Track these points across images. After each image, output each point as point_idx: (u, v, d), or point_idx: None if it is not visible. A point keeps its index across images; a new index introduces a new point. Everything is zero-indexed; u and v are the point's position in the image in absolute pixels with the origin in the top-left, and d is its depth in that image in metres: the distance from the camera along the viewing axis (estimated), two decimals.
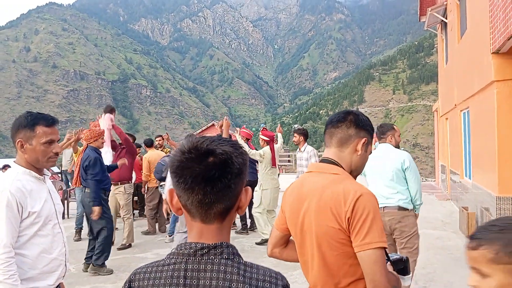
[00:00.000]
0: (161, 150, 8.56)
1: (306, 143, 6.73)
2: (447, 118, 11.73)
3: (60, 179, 12.97)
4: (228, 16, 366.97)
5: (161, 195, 7.64)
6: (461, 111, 9.08)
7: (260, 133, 7.23)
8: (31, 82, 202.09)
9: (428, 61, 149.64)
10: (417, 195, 3.65)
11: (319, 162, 1.61)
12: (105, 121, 6.28)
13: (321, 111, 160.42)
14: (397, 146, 3.98)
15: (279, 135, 7.48)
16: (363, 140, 1.56)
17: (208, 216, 0.92)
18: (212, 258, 0.89)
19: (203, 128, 35.07)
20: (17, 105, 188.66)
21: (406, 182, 3.70)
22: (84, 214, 5.67)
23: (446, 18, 11.17)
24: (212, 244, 0.91)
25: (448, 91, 11.04)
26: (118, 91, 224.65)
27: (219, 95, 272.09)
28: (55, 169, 15.00)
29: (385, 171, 3.71)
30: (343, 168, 1.55)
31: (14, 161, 2.03)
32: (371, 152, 1.52)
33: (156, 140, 8.77)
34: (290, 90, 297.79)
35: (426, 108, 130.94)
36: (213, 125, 34.77)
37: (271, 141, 6.85)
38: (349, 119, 1.58)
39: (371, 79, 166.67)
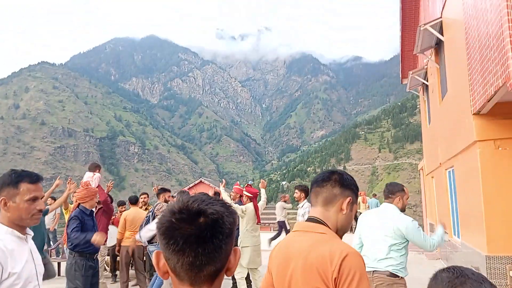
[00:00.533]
0: (145, 208, 8.42)
1: (305, 200, 6.82)
2: (432, 177, 11.88)
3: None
4: (218, 76, 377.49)
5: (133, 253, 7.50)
6: (446, 169, 9.22)
7: (244, 189, 7.28)
8: (18, 139, 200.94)
9: (411, 121, 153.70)
10: (434, 243, 3.55)
11: (306, 221, 1.63)
12: (95, 181, 6.22)
13: (309, 169, 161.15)
14: (403, 210, 3.75)
15: (263, 191, 7.50)
16: (348, 199, 1.59)
17: (198, 279, 0.89)
18: None
19: (191, 185, 34.90)
20: (2, 161, 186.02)
21: (403, 249, 3.51)
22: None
23: (427, 81, 11.66)
24: None
25: (433, 150, 11.27)
26: (106, 148, 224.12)
27: (207, 152, 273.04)
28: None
29: (383, 232, 3.52)
30: (329, 227, 1.57)
31: None
32: (356, 212, 1.49)
33: (141, 197, 8.65)
34: (277, 148, 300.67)
35: (412, 166, 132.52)
36: (201, 182, 34.67)
37: (254, 198, 6.97)
38: (334, 178, 1.61)
39: (357, 138, 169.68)
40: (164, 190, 7.03)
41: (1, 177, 2.00)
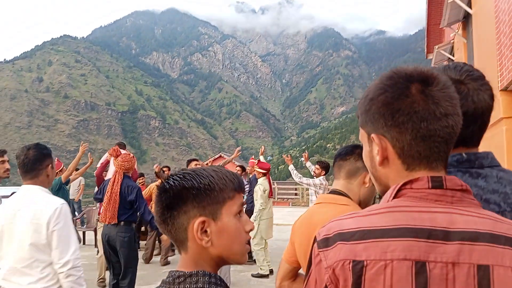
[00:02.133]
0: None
1: (323, 177, 6.88)
2: None
3: None
4: (238, 51, 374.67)
5: None
6: None
7: (256, 165, 7.34)
8: (42, 112, 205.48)
9: None
10: None
11: (328, 193, 1.64)
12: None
13: (328, 145, 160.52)
14: None
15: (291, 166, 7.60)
16: None
17: (178, 246, 0.93)
18: (187, 286, 0.89)
19: (211, 159, 35.20)
20: (27, 134, 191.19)
21: None
22: (109, 254, 4.70)
23: (453, 56, 11.33)
24: (188, 272, 0.90)
25: None
26: (127, 122, 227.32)
27: (226, 127, 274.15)
28: None
29: None
30: (351, 200, 1.58)
31: None
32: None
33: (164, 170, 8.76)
34: (297, 124, 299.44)
35: None
36: (220, 156, 34.91)
37: (267, 173, 7.09)
38: (357, 152, 1.62)
39: None
40: (191, 160, 7.06)
41: None
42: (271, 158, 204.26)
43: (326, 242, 0.77)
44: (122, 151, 6.19)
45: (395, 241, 0.72)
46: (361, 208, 1.55)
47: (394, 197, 0.79)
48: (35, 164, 2.37)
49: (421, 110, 0.76)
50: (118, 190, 4.60)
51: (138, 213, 4.91)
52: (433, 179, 0.78)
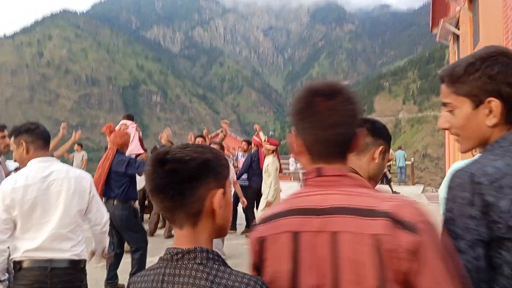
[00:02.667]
0: None
1: None
2: None
3: None
4: (239, 25, 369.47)
5: None
6: None
7: (266, 142, 7.33)
8: (43, 87, 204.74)
9: (439, 72, 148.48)
10: None
11: None
12: (133, 131, 6.17)
13: None
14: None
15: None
16: (380, 148, 1.57)
17: (176, 222, 0.99)
18: (185, 263, 0.92)
19: (212, 134, 35.27)
20: (29, 108, 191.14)
21: None
22: (112, 230, 4.61)
23: (459, 30, 11.19)
24: (186, 249, 0.94)
25: None
26: (129, 97, 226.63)
27: (228, 102, 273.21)
28: None
29: None
30: (360, 176, 1.49)
31: None
32: (389, 161, 1.52)
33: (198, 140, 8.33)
34: None
35: (436, 119, 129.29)
36: (222, 131, 34.98)
37: (276, 150, 7.18)
38: (366, 127, 1.56)
39: (381, 89, 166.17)
40: (198, 136, 7.01)
41: None
42: (272, 133, 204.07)
43: (255, 226, 1.11)
44: (129, 122, 6.16)
45: (284, 219, 1.03)
46: (372, 184, 1.45)
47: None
48: (49, 137, 2.59)
49: (316, 120, 1.03)
50: (108, 166, 4.56)
51: (137, 189, 4.85)
52: (317, 170, 1.05)
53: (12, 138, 2.54)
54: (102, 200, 4.35)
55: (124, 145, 4.78)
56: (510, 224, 0.95)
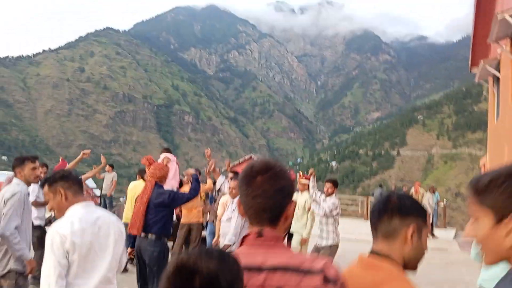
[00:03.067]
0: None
1: (334, 194, 6.44)
2: None
3: (99, 203, 13.29)
4: (274, 50, 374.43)
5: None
6: None
7: (301, 176, 7.13)
8: (82, 101, 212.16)
9: (475, 109, 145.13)
10: None
11: (368, 254, 1.50)
12: (173, 164, 6.01)
13: (361, 151, 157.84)
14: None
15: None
16: (411, 228, 1.43)
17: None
18: None
19: (241, 160, 35.25)
20: (66, 122, 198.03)
21: None
22: (140, 265, 4.56)
23: (499, 72, 10.84)
24: None
25: (498, 148, 10.56)
26: (162, 116, 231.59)
27: (258, 126, 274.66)
28: (96, 191, 15.42)
29: None
30: (395, 261, 1.44)
31: None
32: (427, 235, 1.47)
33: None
34: (330, 127, 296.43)
35: (471, 157, 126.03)
36: (251, 157, 34.93)
37: (336, 188, 6.67)
38: (390, 208, 1.47)
39: (414, 122, 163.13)
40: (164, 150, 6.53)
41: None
42: (301, 160, 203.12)
43: None
44: (171, 156, 6.05)
45: None
46: (409, 269, 1.46)
47: (240, 244, 1.31)
48: (81, 182, 2.69)
49: (249, 192, 1.31)
50: (147, 200, 4.41)
51: (172, 223, 4.71)
52: (258, 231, 1.29)
53: (47, 187, 2.51)
54: (141, 235, 4.40)
55: (163, 177, 4.64)
56: None
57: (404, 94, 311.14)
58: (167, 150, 6.28)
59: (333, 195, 6.44)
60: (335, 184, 6.54)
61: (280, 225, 1.29)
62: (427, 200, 18.00)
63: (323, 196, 6.50)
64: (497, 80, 11.40)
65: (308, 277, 1.18)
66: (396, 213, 1.45)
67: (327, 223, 6.32)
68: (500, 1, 11.13)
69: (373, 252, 1.49)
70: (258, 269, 1.20)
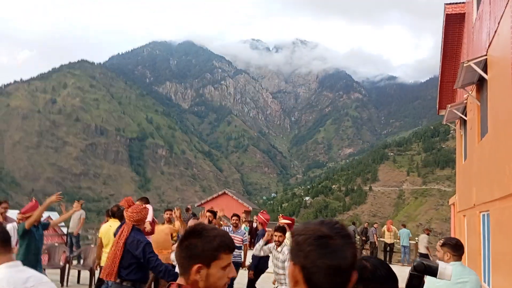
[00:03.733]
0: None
1: (284, 242, 5.99)
2: (464, 215, 11.42)
3: (65, 241, 12.76)
4: (249, 86, 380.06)
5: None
6: (480, 212, 8.83)
7: (280, 218, 7.07)
8: (52, 133, 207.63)
9: (443, 146, 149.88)
10: None
11: None
12: (150, 213, 5.89)
13: (334, 186, 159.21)
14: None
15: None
16: None
17: None
18: None
19: (214, 195, 34.92)
20: (35, 154, 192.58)
21: None
22: None
23: (466, 116, 11.28)
24: None
25: (466, 188, 10.84)
26: (135, 149, 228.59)
27: (233, 160, 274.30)
28: (64, 229, 14.84)
29: None
30: None
31: None
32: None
33: (166, 214, 7.92)
34: (303, 162, 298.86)
35: (440, 193, 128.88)
36: (224, 193, 34.63)
37: (292, 225, 6.70)
38: (365, 277, 1.42)
39: (385, 159, 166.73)
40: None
41: None
42: (275, 195, 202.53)
43: None
44: (149, 206, 5.92)
45: None
46: None
47: None
48: (9, 237, 2.32)
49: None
50: (123, 244, 4.25)
51: (149, 271, 4.53)
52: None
53: None
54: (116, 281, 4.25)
55: (141, 221, 4.51)
56: None
57: (375, 131, 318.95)
58: (146, 200, 6.18)
59: (283, 243, 6.02)
60: (280, 231, 6.07)
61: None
62: (406, 234, 18.21)
63: (270, 245, 6.15)
64: (464, 122, 11.85)
65: None
66: (371, 284, 1.42)
67: (284, 267, 5.78)
68: (466, 49, 11.74)
69: None
70: None
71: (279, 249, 5.88)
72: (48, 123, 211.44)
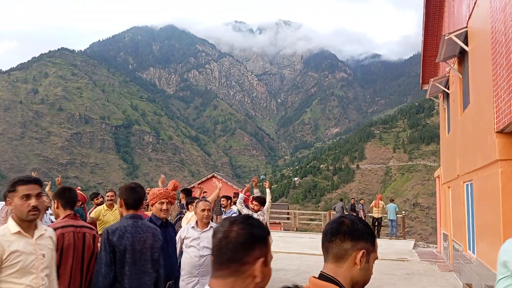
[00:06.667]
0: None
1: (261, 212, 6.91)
2: (449, 187, 11.67)
3: None
4: (234, 69, 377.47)
5: None
6: (464, 182, 9.04)
7: (252, 200, 7.33)
8: (36, 124, 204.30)
9: (428, 122, 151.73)
10: None
11: (317, 277, 1.50)
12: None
13: (322, 166, 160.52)
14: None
15: (268, 191, 7.67)
16: (361, 252, 1.46)
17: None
18: None
19: (203, 179, 34.96)
20: (19, 145, 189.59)
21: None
22: None
23: (448, 89, 11.43)
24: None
25: (450, 160, 11.06)
26: (121, 136, 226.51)
27: (220, 144, 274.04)
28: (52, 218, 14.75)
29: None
30: (341, 285, 1.45)
31: None
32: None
33: (107, 195, 7.44)
34: (291, 143, 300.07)
35: (426, 168, 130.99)
36: (213, 176, 34.69)
37: (262, 206, 7.10)
38: (343, 231, 1.49)
39: (372, 137, 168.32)
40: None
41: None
42: (264, 177, 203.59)
43: None
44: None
45: None
46: None
47: None
48: None
49: None
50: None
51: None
52: None
53: None
54: None
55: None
56: None
57: (361, 109, 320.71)
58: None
59: (260, 212, 6.86)
60: (260, 202, 6.96)
61: None
62: (393, 208, 18.85)
63: (250, 212, 6.83)
64: (447, 96, 12.02)
65: None
66: (348, 236, 1.47)
67: None
68: (447, 22, 11.83)
69: (321, 276, 1.49)
70: None
71: (254, 215, 6.30)
72: (31, 113, 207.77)
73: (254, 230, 1.29)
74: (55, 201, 3.36)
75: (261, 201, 6.88)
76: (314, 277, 1.50)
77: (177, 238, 4.60)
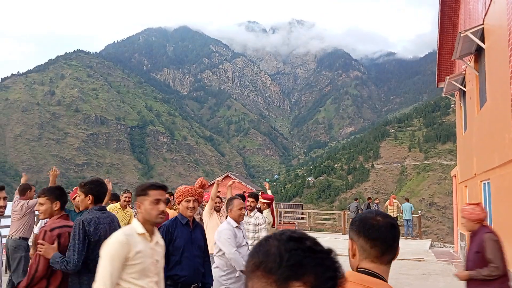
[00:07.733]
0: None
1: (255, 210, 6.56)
2: (466, 186, 11.54)
3: None
4: (247, 69, 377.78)
5: None
6: (481, 181, 8.93)
7: (260, 196, 7.36)
8: (53, 125, 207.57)
9: (444, 120, 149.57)
10: None
11: (359, 271, 1.47)
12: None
13: (336, 165, 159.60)
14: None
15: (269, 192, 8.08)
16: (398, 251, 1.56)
17: None
18: None
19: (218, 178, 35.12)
20: (37, 146, 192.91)
21: None
22: None
23: (465, 87, 11.30)
24: None
25: (467, 159, 10.93)
26: (136, 137, 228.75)
27: (234, 144, 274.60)
28: None
29: None
30: (385, 281, 1.46)
31: None
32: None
33: (124, 196, 7.49)
34: (305, 143, 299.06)
35: (442, 167, 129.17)
36: (227, 175, 34.84)
37: (271, 203, 7.26)
38: (399, 234, 1.57)
39: (386, 136, 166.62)
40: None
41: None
42: (277, 177, 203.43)
43: None
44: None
45: None
46: None
47: None
48: None
49: None
50: None
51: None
52: None
53: None
54: None
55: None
56: None
57: (375, 108, 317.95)
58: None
59: (255, 211, 6.61)
60: (255, 197, 6.67)
61: None
62: (409, 208, 18.62)
63: (264, 216, 6.70)
64: (463, 93, 11.88)
65: None
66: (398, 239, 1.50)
67: (254, 230, 6.33)
68: (463, 20, 11.69)
69: (363, 271, 1.46)
70: None
71: (251, 213, 6.35)
72: (48, 115, 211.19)
73: None
74: (89, 195, 3.40)
75: (255, 196, 6.67)
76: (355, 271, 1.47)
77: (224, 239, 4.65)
